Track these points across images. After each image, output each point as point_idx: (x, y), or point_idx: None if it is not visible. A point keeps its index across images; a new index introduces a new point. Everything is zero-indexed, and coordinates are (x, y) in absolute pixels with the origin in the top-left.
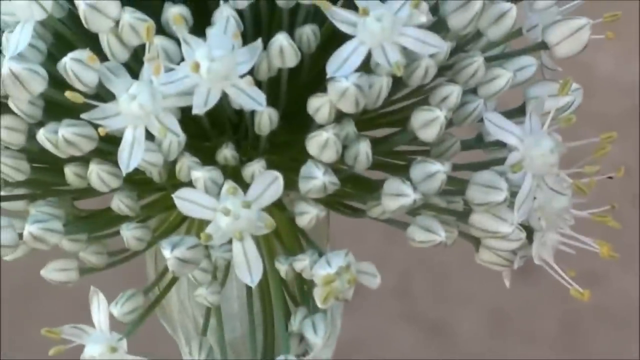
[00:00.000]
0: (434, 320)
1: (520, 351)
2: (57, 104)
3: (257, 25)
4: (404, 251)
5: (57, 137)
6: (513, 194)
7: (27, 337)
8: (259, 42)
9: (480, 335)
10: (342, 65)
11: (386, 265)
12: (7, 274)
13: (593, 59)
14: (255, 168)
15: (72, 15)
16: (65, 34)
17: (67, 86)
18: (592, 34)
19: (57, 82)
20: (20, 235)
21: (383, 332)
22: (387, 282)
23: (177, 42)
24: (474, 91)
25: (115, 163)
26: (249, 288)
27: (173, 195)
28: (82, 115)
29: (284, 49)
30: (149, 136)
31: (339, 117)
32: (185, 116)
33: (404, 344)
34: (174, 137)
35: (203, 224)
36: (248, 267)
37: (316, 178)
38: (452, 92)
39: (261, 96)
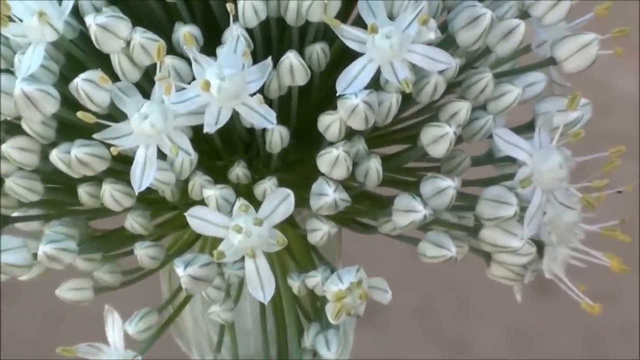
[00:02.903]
0: (455, 339)
1: None
2: (69, 125)
3: (267, 44)
4: (425, 271)
5: (70, 157)
6: (523, 209)
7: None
8: (269, 60)
9: (501, 354)
10: (351, 83)
11: (407, 285)
12: (38, 297)
13: (611, 78)
14: (267, 186)
15: (84, 36)
16: (77, 54)
17: (79, 106)
18: (602, 50)
19: (70, 102)
20: (35, 255)
21: (404, 351)
22: (410, 302)
23: (188, 61)
24: (483, 107)
25: (128, 182)
26: (262, 305)
27: (186, 214)
28: (95, 135)
29: (294, 67)
30: (161, 155)
31: (350, 134)
32: (197, 135)
33: None
34: (186, 156)
35: (216, 242)
36: (261, 284)
37: (327, 195)
38: (462, 108)
39: (272, 114)
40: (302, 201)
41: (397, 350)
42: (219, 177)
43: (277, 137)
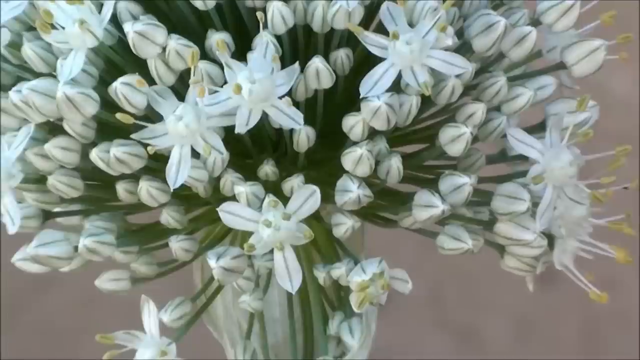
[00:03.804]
0: (463, 326)
1: (543, 355)
2: (108, 125)
3: (295, 50)
4: (436, 262)
5: (109, 156)
6: (535, 204)
7: (86, 346)
8: (296, 65)
9: (506, 339)
10: (374, 86)
11: (419, 275)
12: (71, 286)
13: (608, 80)
14: (294, 183)
15: (122, 43)
16: (116, 60)
17: (117, 108)
18: (607, 55)
19: (109, 104)
20: (76, 248)
21: (416, 338)
22: (420, 291)
23: (220, 66)
24: (497, 109)
25: (163, 180)
26: (289, 295)
27: (218, 209)
28: (132, 136)
29: (320, 71)
30: (195, 154)
31: (372, 134)
32: (229, 135)
33: (435, 348)
34: (218, 154)
35: (246, 235)
36: (288, 275)
37: (351, 191)
38: (477, 109)
39: (299, 116)
40: (327, 197)
41: (409, 336)
42: (249, 174)
43: (304, 137)
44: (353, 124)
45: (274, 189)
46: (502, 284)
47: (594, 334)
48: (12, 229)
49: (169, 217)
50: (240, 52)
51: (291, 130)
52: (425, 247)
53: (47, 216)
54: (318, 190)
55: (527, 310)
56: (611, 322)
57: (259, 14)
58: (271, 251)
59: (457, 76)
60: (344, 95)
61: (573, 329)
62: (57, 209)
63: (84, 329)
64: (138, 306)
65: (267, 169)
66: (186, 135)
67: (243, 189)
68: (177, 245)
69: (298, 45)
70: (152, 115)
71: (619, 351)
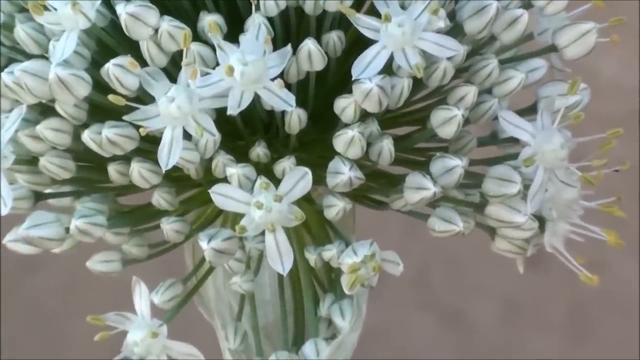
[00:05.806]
0: (450, 308)
1: (531, 336)
2: (100, 107)
3: (287, 32)
4: (423, 244)
5: (101, 138)
6: (526, 187)
7: (74, 328)
8: (288, 47)
9: (494, 321)
10: (366, 68)
11: (406, 257)
12: (57, 268)
13: (596, 63)
14: (286, 165)
15: (114, 24)
16: (108, 41)
17: (110, 90)
18: (598, 38)
19: (101, 86)
20: (67, 230)
21: (403, 320)
22: (407, 274)
23: (213, 48)
24: (489, 91)
25: (155, 161)
26: (280, 276)
27: (209, 191)
28: (124, 117)
29: (312, 54)
30: (187, 136)
31: (364, 116)
32: (220, 117)
33: (422, 330)
34: (210, 136)
35: (237, 217)
36: (280, 257)
37: (343, 173)
38: (469, 92)
39: (291, 97)
40: (318, 179)
41: (395, 319)
42: (241, 156)
43: (296, 118)
44: (345, 106)
45: (266, 170)
46: (489, 266)
47: (582, 316)
48: (4, 210)
49: (160, 199)
50: (233, 34)
51: (283, 112)
52: (412, 229)
53: (38, 197)
54: (309, 172)
55: (515, 292)
56: (599, 304)
57: None
58: (262, 233)
59: (449, 59)
60: (336, 78)
61: (561, 310)
62: (48, 190)
63: (71, 310)
64: (126, 288)
65: (259, 150)
66: (178, 116)
67: (235, 171)
68: (169, 227)
69: (290, 27)
70: (144, 97)
71: (606, 333)
